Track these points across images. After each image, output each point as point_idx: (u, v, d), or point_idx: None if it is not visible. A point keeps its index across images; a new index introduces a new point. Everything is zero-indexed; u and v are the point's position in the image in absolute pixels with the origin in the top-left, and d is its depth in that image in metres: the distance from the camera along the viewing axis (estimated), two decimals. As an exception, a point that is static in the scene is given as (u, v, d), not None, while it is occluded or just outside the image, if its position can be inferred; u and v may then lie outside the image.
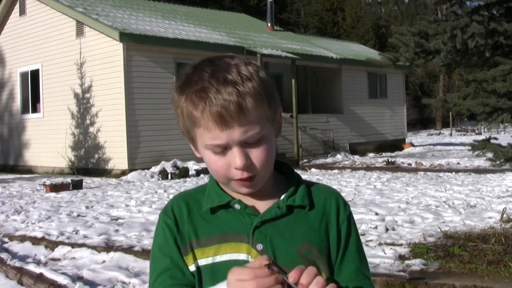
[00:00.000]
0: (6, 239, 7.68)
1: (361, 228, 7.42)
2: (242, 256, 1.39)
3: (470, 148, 7.75)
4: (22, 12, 20.95)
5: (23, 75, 20.93)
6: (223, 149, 1.36)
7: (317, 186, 1.55)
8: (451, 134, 46.88)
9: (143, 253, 6.42)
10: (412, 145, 28.29)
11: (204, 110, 1.33)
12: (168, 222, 1.47)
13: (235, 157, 1.35)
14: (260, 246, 1.40)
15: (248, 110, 1.33)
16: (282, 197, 1.46)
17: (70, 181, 13.73)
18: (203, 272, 1.42)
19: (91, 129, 17.94)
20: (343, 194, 1.65)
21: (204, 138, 1.37)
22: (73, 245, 7.04)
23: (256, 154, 1.37)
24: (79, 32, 18.17)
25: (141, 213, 9.39)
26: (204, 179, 15.17)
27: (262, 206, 1.45)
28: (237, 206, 1.44)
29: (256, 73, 1.37)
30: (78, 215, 9.39)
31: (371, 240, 6.75)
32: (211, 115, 1.32)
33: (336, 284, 1.23)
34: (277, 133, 1.46)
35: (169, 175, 15.48)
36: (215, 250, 1.41)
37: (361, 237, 1.53)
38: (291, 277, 1.20)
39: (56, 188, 13.11)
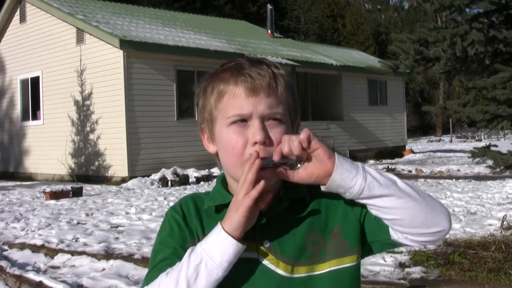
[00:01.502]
0: (5, 247, 7.66)
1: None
2: (253, 255, 1.40)
3: (470, 155, 7.75)
4: (23, 19, 20.97)
5: (23, 82, 20.94)
6: (244, 123, 1.39)
7: None
8: (451, 141, 46.89)
9: (143, 261, 6.41)
10: (412, 152, 28.28)
11: (237, 79, 1.40)
12: (176, 217, 1.49)
13: (256, 130, 1.37)
14: (267, 243, 1.41)
15: (278, 89, 1.42)
16: (282, 191, 1.46)
17: (70, 188, 13.72)
18: None
19: (91, 136, 17.93)
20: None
21: (227, 109, 1.41)
22: (73, 253, 7.03)
23: (276, 135, 1.38)
24: (79, 39, 18.19)
25: (141, 221, 9.38)
26: (204, 187, 15.15)
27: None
28: None
29: (285, 72, 1.47)
30: (78, 223, 9.38)
31: (371, 248, 6.73)
32: (243, 82, 1.39)
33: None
34: None
35: (169, 183, 15.46)
36: None
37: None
38: (275, 155, 1.30)
39: (56, 195, 13.09)
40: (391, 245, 1.47)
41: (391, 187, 1.32)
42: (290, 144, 1.27)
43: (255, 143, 1.36)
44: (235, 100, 1.39)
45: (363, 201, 1.35)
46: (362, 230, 1.46)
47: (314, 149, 1.28)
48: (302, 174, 1.31)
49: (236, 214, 1.29)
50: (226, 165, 1.45)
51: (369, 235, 1.46)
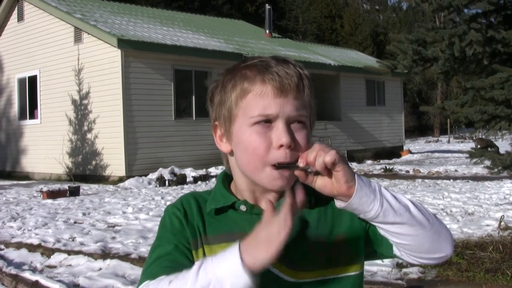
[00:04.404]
0: (2, 246, 7.64)
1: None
2: None
3: (468, 155, 7.75)
4: (20, 18, 20.94)
5: (21, 81, 20.90)
6: (267, 124, 1.34)
7: None
8: (449, 141, 46.89)
9: (139, 261, 6.39)
10: (410, 152, 28.28)
11: (265, 77, 1.35)
12: (178, 214, 1.43)
13: (281, 132, 1.32)
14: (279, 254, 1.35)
15: (304, 90, 1.38)
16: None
17: (67, 188, 13.70)
18: None
19: (88, 136, 17.91)
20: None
21: (251, 108, 1.35)
22: (70, 252, 7.01)
23: (300, 139, 1.35)
24: (77, 39, 18.16)
25: (138, 220, 9.36)
26: (201, 186, 15.13)
27: None
28: (242, 208, 1.41)
29: (309, 73, 1.43)
30: (75, 222, 9.36)
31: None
32: (271, 80, 1.34)
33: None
34: None
35: (167, 182, 15.45)
36: (224, 249, 1.30)
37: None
38: (300, 162, 1.27)
39: (53, 194, 13.07)
40: (392, 258, 1.47)
41: (405, 214, 1.31)
42: (317, 157, 1.24)
43: (281, 146, 1.31)
44: (261, 99, 1.33)
45: (374, 224, 1.34)
46: (366, 238, 1.44)
47: (336, 171, 1.25)
48: (318, 182, 1.28)
49: (268, 252, 1.15)
50: (244, 166, 1.38)
51: (373, 244, 1.45)
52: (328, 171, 1.25)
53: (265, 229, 1.16)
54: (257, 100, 1.34)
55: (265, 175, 1.34)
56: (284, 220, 1.15)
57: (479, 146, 7.38)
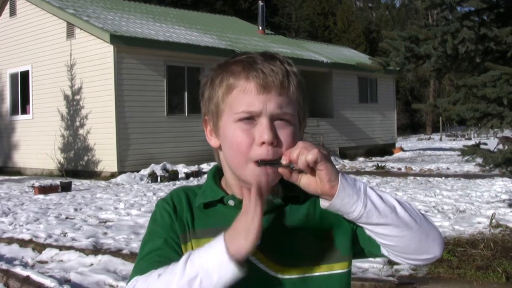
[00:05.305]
0: (-7, 241, 7.62)
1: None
2: None
3: (459, 153, 7.78)
4: (13, 13, 20.85)
5: (13, 76, 20.82)
6: (251, 121, 1.34)
7: None
8: (441, 139, 47.02)
9: (131, 256, 6.38)
10: (402, 149, 28.33)
11: (249, 73, 1.35)
12: (167, 208, 1.45)
13: (263, 129, 1.32)
14: (258, 241, 1.35)
15: (290, 87, 1.37)
16: (276, 188, 1.42)
17: (59, 183, 13.65)
18: None
19: (80, 131, 17.86)
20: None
21: (235, 105, 1.36)
22: (61, 248, 6.99)
23: (284, 136, 1.34)
24: (70, 34, 18.10)
25: (129, 216, 9.34)
26: (193, 183, 15.10)
27: None
28: (231, 202, 1.42)
29: (297, 69, 1.42)
30: (67, 218, 9.33)
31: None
32: (255, 77, 1.34)
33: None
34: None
35: (159, 178, 15.42)
36: None
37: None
38: (284, 159, 1.27)
39: (44, 190, 13.02)
40: (380, 257, 1.47)
41: (390, 215, 1.30)
42: (299, 155, 1.24)
43: (263, 143, 1.32)
44: (245, 95, 1.34)
45: (359, 225, 1.34)
46: (354, 236, 1.44)
47: (318, 170, 1.25)
48: (302, 180, 1.28)
49: (246, 240, 1.21)
50: (230, 161, 1.40)
51: (361, 243, 1.45)
52: (311, 169, 1.26)
53: (243, 217, 1.22)
54: (241, 96, 1.35)
55: (248, 171, 1.35)
56: (254, 207, 1.21)
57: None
